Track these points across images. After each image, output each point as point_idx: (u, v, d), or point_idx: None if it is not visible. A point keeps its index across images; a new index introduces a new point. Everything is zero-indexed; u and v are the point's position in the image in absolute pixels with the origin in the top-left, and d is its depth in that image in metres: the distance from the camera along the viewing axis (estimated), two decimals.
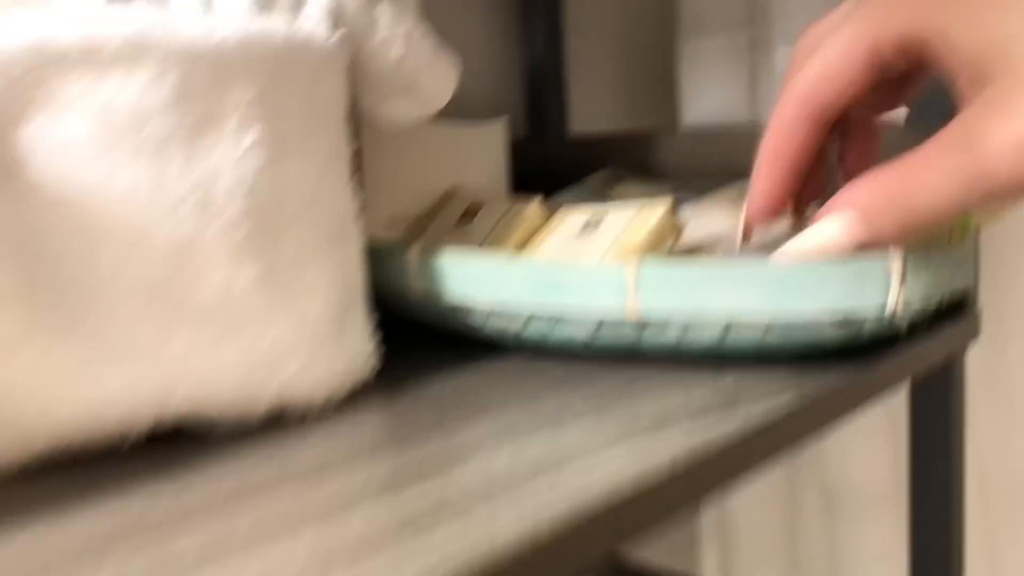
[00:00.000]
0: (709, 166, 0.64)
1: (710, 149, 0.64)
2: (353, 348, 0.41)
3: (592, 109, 0.81)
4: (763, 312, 0.37)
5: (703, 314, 0.39)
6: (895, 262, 0.35)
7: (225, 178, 0.35)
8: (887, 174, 0.33)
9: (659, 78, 0.91)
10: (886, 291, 0.36)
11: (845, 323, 0.37)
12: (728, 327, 0.39)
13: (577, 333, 0.43)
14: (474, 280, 0.44)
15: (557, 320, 0.43)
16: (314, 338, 0.38)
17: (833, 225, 0.34)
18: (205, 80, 0.34)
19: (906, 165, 0.33)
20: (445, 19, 0.73)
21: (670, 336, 0.41)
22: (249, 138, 0.35)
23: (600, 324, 0.42)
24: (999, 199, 0.30)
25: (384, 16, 0.42)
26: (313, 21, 0.39)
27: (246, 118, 0.35)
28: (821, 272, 0.36)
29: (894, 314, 0.36)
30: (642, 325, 0.41)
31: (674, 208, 0.44)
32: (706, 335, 0.40)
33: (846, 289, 0.36)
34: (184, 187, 0.34)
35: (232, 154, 0.35)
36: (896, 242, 0.34)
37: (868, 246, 0.34)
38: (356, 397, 0.40)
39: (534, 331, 0.44)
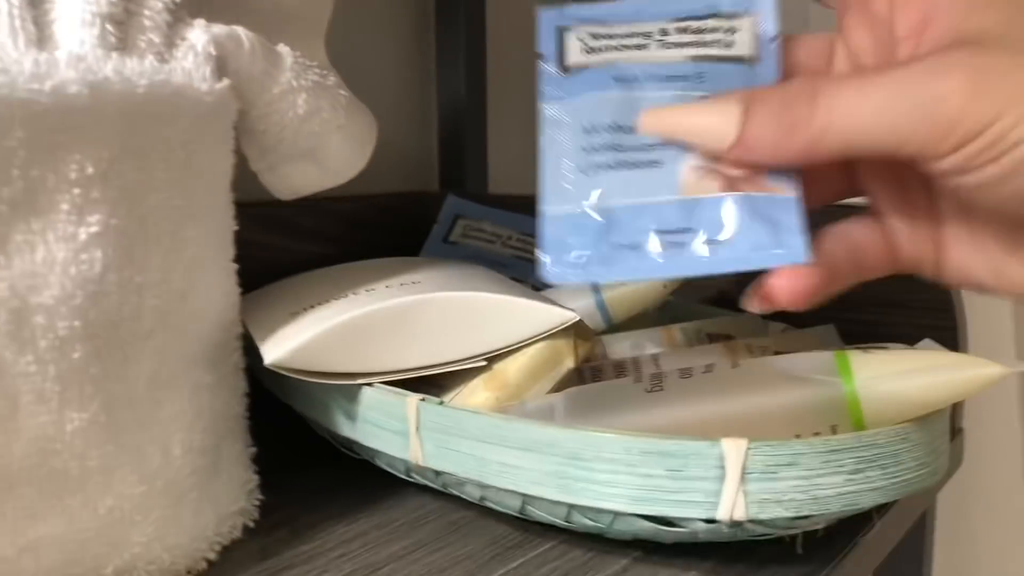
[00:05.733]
0: None
1: None
2: (227, 494, 0.31)
3: (513, 165, 0.73)
4: (558, 488, 0.28)
5: (491, 476, 0.30)
6: (733, 450, 0.26)
7: (51, 284, 0.24)
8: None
9: None
10: (718, 487, 0.26)
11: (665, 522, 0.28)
12: (525, 499, 0.30)
13: (391, 465, 0.35)
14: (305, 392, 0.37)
15: (372, 451, 0.35)
16: (172, 492, 0.28)
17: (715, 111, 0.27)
18: (28, 143, 0.24)
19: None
20: (343, 51, 0.63)
21: (472, 492, 0.33)
22: (90, 226, 0.25)
23: (404, 463, 0.34)
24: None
25: (285, 61, 0.32)
26: (190, 65, 0.29)
27: (87, 197, 0.25)
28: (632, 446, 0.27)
29: (731, 520, 0.27)
30: (435, 472, 0.33)
31: (580, 324, 0.35)
32: (507, 501, 0.31)
33: (664, 478, 0.27)
34: None
35: (63, 250, 0.25)
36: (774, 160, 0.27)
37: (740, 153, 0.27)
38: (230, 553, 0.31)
39: (362, 452, 0.37)
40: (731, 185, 0.28)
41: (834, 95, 0.25)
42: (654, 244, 0.28)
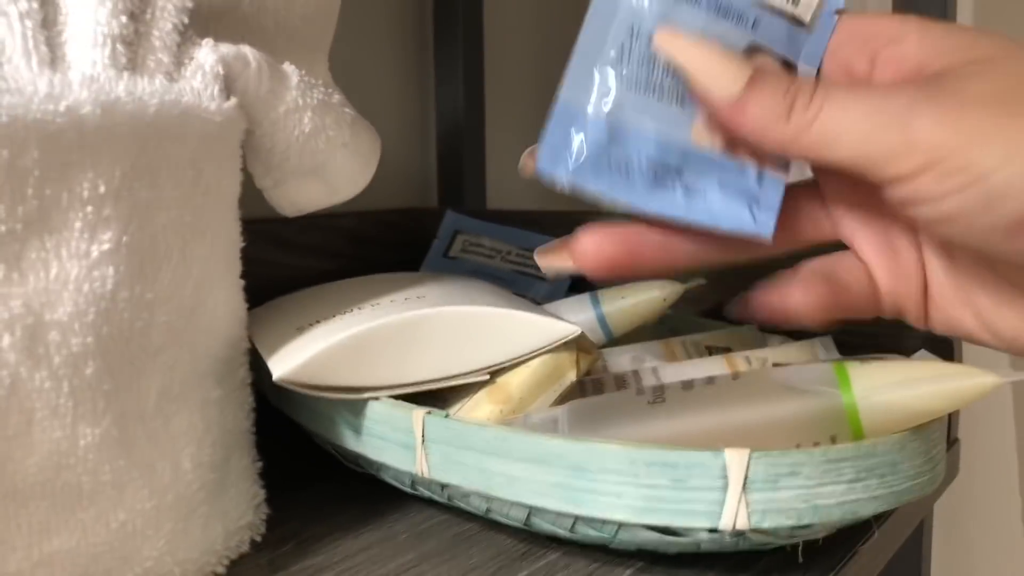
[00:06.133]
0: None
1: None
2: (236, 508, 0.31)
3: (511, 181, 0.73)
4: (564, 499, 0.29)
5: (496, 488, 0.30)
6: (735, 460, 0.27)
7: (64, 301, 0.25)
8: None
9: None
10: (721, 497, 0.27)
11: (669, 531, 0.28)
12: (530, 510, 0.31)
13: (397, 478, 0.36)
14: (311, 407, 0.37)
15: (379, 464, 0.35)
16: (182, 506, 0.29)
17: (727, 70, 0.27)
18: (42, 162, 0.24)
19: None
20: (346, 70, 0.64)
21: (477, 504, 0.33)
22: (102, 243, 0.25)
23: (410, 475, 0.34)
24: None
25: (291, 79, 0.33)
26: (199, 84, 0.29)
27: (99, 215, 0.25)
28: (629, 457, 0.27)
29: (733, 529, 0.27)
30: (441, 485, 0.33)
31: (582, 337, 0.35)
32: (512, 513, 0.32)
33: (668, 488, 0.27)
34: (3, 315, 0.24)
35: (76, 267, 0.25)
36: (768, 144, 0.27)
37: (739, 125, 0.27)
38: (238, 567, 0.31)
39: (368, 466, 0.37)
40: (735, 147, 0.29)
41: (827, 96, 0.26)
42: (643, 172, 0.28)
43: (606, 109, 0.28)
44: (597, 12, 0.28)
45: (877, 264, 0.30)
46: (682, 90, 0.28)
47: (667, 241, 0.29)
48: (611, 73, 0.28)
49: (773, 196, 0.29)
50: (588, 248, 0.28)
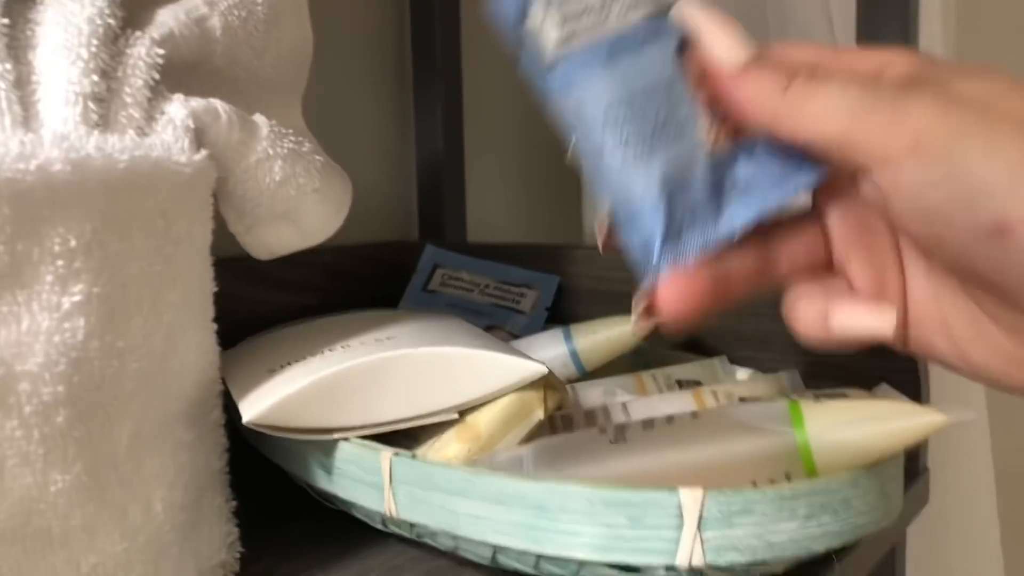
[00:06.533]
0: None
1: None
2: (208, 547, 0.32)
3: (491, 215, 0.74)
4: (526, 538, 0.30)
5: (462, 527, 0.31)
6: (690, 499, 0.27)
7: (35, 352, 0.26)
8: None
9: (562, 188, 0.84)
10: (676, 535, 0.28)
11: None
12: (496, 548, 0.32)
13: (368, 516, 0.36)
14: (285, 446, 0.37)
15: (350, 503, 0.36)
16: (153, 548, 0.29)
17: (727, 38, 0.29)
18: (13, 219, 0.25)
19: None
20: (327, 106, 0.65)
21: (445, 543, 0.34)
22: (73, 296, 0.26)
23: (380, 514, 0.35)
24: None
25: (261, 130, 0.33)
26: (169, 138, 0.30)
27: (70, 268, 0.26)
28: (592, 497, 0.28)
29: (689, 566, 0.28)
30: (409, 524, 0.34)
31: (550, 376, 0.36)
32: (479, 551, 0.33)
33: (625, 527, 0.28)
34: None
35: (47, 319, 0.26)
36: (758, 116, 0.28)
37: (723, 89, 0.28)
38: None
39: (340, 504, 0.38)
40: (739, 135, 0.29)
41: (827, 76, 0.27)
42: (707, 211, 0.29)
43: (648, 194, 0.28)
44: (570, 122, 0.29)
45: (865, 288, 0.31)
46: (678, 119, 0.29)
47: (727, 271, 0.29)
48: (626, 164, 0.28)
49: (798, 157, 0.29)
50: (669, 297, 0.28)
